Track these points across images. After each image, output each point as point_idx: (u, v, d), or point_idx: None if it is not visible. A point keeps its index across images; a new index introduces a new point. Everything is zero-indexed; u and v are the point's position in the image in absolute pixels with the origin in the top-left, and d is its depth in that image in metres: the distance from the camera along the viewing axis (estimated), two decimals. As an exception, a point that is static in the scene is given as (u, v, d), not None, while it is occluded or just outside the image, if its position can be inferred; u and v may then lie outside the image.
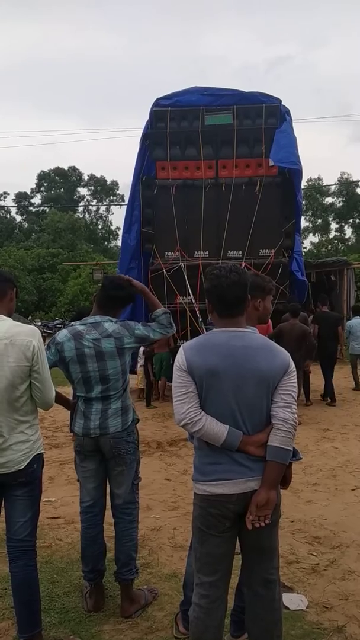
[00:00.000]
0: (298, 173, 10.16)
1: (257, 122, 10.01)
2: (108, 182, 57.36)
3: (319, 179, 50.64)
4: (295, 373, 2.46)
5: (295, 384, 2.46)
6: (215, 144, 10.12)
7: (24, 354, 2.73)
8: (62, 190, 56.35)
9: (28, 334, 2.77)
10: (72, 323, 3.45)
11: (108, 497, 3.47)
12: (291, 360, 2.47)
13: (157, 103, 10.24)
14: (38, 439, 2.90)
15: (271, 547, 2.50)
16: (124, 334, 3.25)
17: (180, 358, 2.44)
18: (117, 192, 57.63)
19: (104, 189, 57.69)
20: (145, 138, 10.41)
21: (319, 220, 52.05)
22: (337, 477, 5.84)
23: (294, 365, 2.47)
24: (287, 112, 10.27)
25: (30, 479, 2.84)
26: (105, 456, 3.30)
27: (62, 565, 3.87)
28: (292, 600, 3.34)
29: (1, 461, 2.76)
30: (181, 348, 2.48)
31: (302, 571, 3.78)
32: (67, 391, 3.53)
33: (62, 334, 3.32)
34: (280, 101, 10.23)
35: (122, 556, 3.32)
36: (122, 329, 3.26)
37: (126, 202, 11.53)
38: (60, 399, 3.46)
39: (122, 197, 55.24)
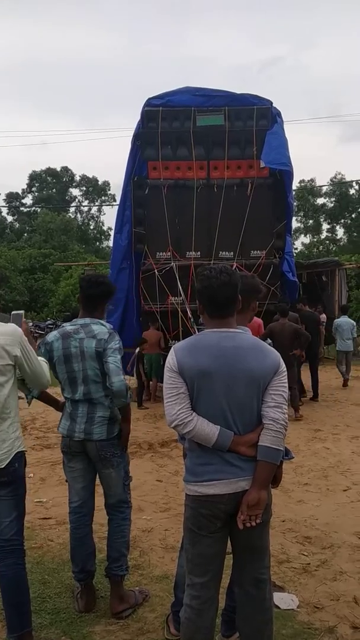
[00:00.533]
0: (289, 174, 10.21)
1: (249, 123, 10.06)
2: (100, 183, 57.29)
3: (312, 180, 50.82)
4: (285, 373, 2.46)
5: (286, 384, 2.46)
6: (206, 144, 10.15)
7: (7, 354, 2.78)
8: (53, 190, 56.17)
9: (8, 333, 2.81)
10: (64, 324, 3.47)
11: (98, 498, 3.48)
12: (281, 360, 2.48)
13: (149, 103, 10.24)
14: (18, 437, 2.91)
15: (262, 546, 2.51)
16: (107, 339, 3.23)
17: (171, 359, 2.44)
18: (109, 192, 57.59)
19: (95, 190, 57.57)
20: (137, 138, 10.41)
21: (310, 221, 52.22)
22: (329, 478, 5.86)
23: (284, 365, 2.47)
24: (278, 113, 10.32)
25: (12, 478, 2.84)
26: (92, 459, 3.31)
27: (54, 566, 3.86)
28: (283, 600, 3.35)
29: None
30: (172, 349, 2.48)
31: (293, 571, 3.79)
32: (57, 391, 3.53)
33: (52, 334, 3.38)
34: (272, 103, 10.28)
35: (113, 552, 3.34)
36: (108, 336, 3.25)
37: (118, 202, 11.53)
38: (49, 400, 3.51)
39: (113, 197, 55.24)
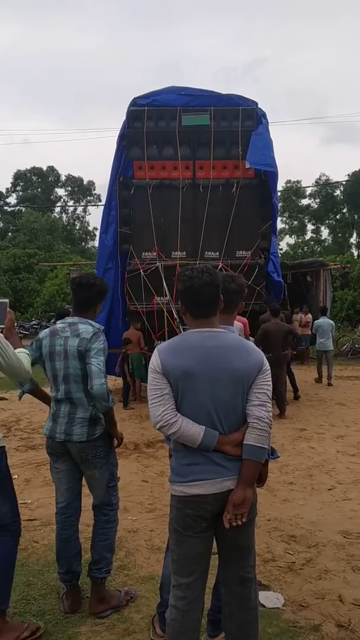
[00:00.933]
0: (274, 175, 10.26)
1: (234, 124, 10.08)
2: (85, 182, 57.08)
3: (298, 181, 51.12)
4: (269, 371, 2.47)
5: (270, 383, 2.47)
6: (192, 144, 10.16)
7: None
8: (38, 190, 55.83)
9: None
10: (58, 322, 3.47)
11: (85, 498, 3.47)
12: (265, 359, 2.48)
13: (134, 102, 10.23)
14: None
15: (247, 545, 2.51)
16: (89, 339, 3.20)
17: (154, 360, 2.43)
18: (94, 192, 57.43)
19: (80, 189, 57.36)
20: (122, 138, 10.38)
21: (295, 222, 52.54)
22: (314, 477, 5.89)
23: (268, 364, 2.48)
24: (264, 115, 10.36)
25: (2, 475, 2.91)
26: (75, 460, 3.31)
27: (39, 568, 3.83)
28: (269, 598, 3.36)
29: None
30: (156, 350, 2.47)
31: (279, 569, 3.80)
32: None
33: (43, 332, 3.41)
34: (257, 104, 10.32)
35: (94, 554, 3.34)
36: (92, 335, 3.22)
37: (103, 202, 11.49)
38: (42, 396, 3.55)
39: (98, 197, 55.11)
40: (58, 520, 3.42)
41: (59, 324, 3.35)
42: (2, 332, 3.04)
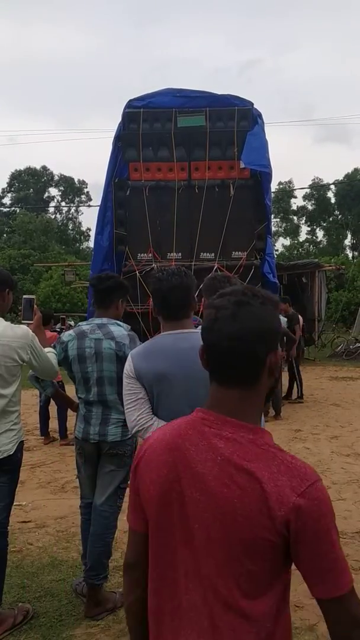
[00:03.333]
0: (268, 176, 10.26)
1: (229, 124, 10.08)
2: (76, 182, 57.02)
3: (290, 182, 51.29)
4: None
5: None
6: (187, 145, 10.15)
7: (17, 354, 2.95)
8: (31, 191, 55.69)
9: (20, 336, 2.98)
10: (80, 324, 3.47)
11: None
12: None
13: (130, 104, 10.23)
14: (21, 428, 3.15)
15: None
16: (126, 343, 3.20)
17: (128, 365, 2.42)
18: (86, 190, 57.37)
19: (72, 189, 57.29)
20: (118, 139, 10.37)
21: (288, 224, 52.70)
22: (309, 477, 5.89)
23: None
24: (259, 115, 10.36)
25: (15, 466, 3.07)
26: (101, 457, 3.32)
27: (33, 570, 3.82)
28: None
29: None
30: (129, 355, 2.46)
31: (274, 571, 3.79)
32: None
33: (67, 334, 3.38)
34: (252, 104, 10.32)
35: (92, 560, 3.28)
36: (127, 339, 3.22)
37: (95, 202, 11.51)
38: (64, 399, 3.74)
39: (88, 195, 55.14)
40: (85, 513, 3.45)
41: (85, 325, 3.34)
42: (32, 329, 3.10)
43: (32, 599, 3.43)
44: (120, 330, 3.26)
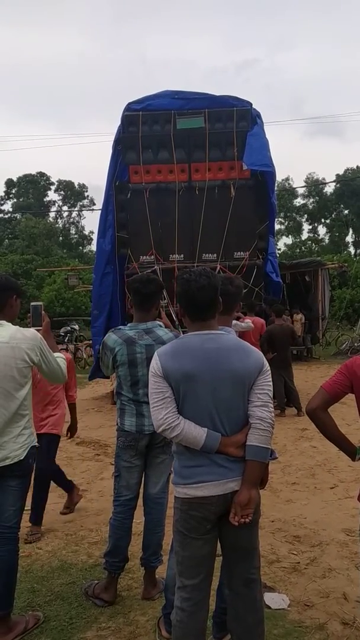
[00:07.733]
0: (271, 175, 10.27)
1: (229, 125, 10.09)
2: (76, 186, 57.03)
3: (288, 179, 51.25)
4: (269, 372, 2.48)
5: (271, 383, 2.48)
6: (187, 147, 10.16)
7: (27, 355, 3.00)
8: (31, 198, 55.66)
9: (30, 338, 3.04)
10: (120, 327, 3.54)
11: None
12: (264, 359, 2.49)
13: (129, 107, 10.25)
14: (33, 432, 3.17)
15: (252, 547, 2.51)
16: None
17: (155, 364, 2.43)
18: (86, 194, 57.39)
19: (72, 193, 57.32)
20: (118, 143, 10.40)
21: (291, 222, 52.63)
22: (316, 476, 5.89)
23: (267, 364, 2.49)
24: (258, 115, 10.37)
25: (26, 471, 3.10)
26: (150, 448, 3.44)
27: (43, 574, 3.82)
28: (274, 600, 3.36)
29: (3, 454, 2.97)
30: (155, 354, 2.48)
31: (283, 570, 3.80)
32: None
33: (113, 340, 3.43)
34: (251, 104, 10.33)
35: (152, 544, 3.51)
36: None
37: (97, 205, 11.53)
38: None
39: (92, 201, 55.16)
40: (121, 512, 3.51)
41: (129, 331, 3.42)
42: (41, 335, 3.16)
43: (43, 603, 3.44)
44: (167, 334, 3.41)
